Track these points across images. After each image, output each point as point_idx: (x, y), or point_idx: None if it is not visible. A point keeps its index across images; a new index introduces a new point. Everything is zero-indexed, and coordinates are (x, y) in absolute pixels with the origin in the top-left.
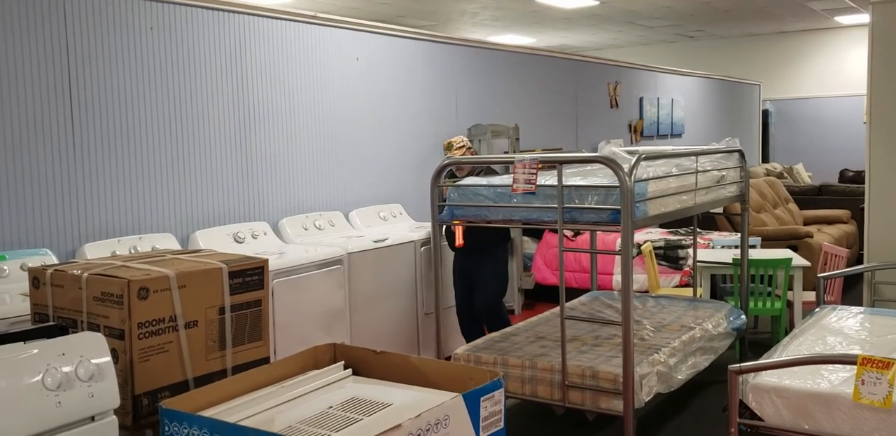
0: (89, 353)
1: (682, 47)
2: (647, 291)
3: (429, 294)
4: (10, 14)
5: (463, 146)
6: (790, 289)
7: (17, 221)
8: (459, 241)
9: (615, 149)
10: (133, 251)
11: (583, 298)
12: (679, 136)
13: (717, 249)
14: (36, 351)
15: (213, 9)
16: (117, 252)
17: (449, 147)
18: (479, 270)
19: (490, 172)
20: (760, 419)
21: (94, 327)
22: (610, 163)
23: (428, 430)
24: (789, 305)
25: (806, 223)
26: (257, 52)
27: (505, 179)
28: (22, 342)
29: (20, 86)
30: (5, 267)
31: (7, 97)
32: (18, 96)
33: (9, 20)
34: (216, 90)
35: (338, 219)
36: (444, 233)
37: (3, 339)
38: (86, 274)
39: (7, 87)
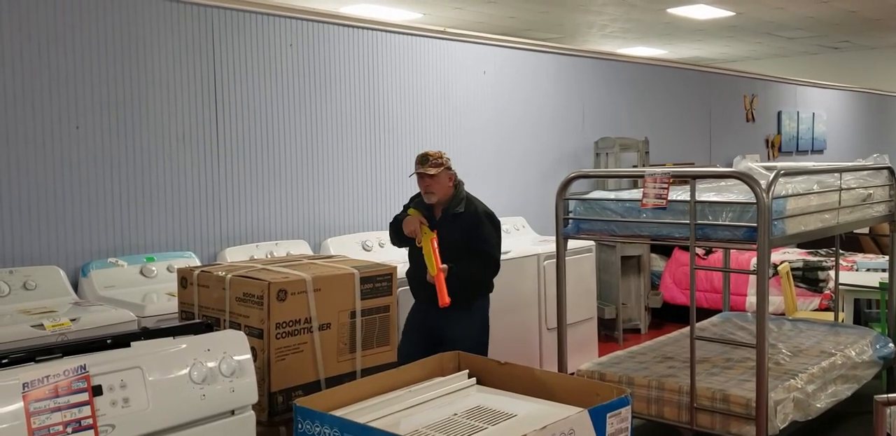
0: (232, 350)
1: (826, 59)
2: (783, 314)
3: (552, 308)
4: (164, 35)
5: (441, 165)
6: None
7: (165, 225)
8: (445, 299)
9: (751, 164)
10: (269, 256)
11: (714, 318)
12: (820, 152)
13: (861, 272)
14: (184, 346)
15: (347, 25)
16: (255, 256)
17: (423, 161)
18: (451, 325)
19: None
20: None
21: (235, 326)
22: (746, 178)
23: None
24: None
25: None
26: (388, 66)
27: (634, 193)
28: (171, 338)
29: (173, 102)
30: (153, 268)
31: (162, 113)
32: (172, 111)
33: (163, 41)
34: (349, 103)
35: None
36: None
37: (154, 334)
38: (229, 275)
39: (162, 104)
